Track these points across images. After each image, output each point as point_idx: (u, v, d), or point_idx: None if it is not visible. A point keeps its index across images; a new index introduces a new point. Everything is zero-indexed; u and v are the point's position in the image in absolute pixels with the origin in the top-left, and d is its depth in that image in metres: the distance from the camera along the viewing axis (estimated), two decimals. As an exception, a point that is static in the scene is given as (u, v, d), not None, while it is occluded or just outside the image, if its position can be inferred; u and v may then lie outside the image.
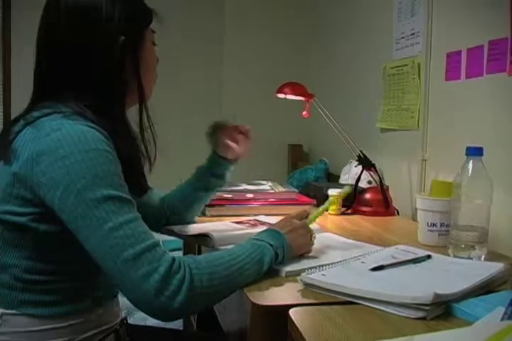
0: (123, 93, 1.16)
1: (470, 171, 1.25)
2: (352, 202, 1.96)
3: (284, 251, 1.16)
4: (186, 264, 0.99)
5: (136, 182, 1.17)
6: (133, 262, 0.96)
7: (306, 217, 1.32)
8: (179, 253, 1.97)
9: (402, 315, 0.90)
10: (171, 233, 1.52)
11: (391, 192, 1.99)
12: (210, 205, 1.75)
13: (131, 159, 1.14)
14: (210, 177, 1.53)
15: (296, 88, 1.95)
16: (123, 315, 1.29)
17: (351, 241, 1.41)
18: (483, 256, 1.26)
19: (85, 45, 1.11)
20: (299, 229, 1.23)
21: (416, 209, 1.51)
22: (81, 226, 0.99)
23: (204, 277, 0.99)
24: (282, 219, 1.28)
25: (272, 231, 1.20)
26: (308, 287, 1.03)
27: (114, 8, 1.12)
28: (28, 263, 1.08)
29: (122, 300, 1.31)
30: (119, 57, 1.13)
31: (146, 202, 1.44)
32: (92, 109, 1.10)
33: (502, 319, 0.80)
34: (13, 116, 1.15)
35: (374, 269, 1.09)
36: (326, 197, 1.76)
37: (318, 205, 1.96)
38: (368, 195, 1.95)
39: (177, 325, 2.71)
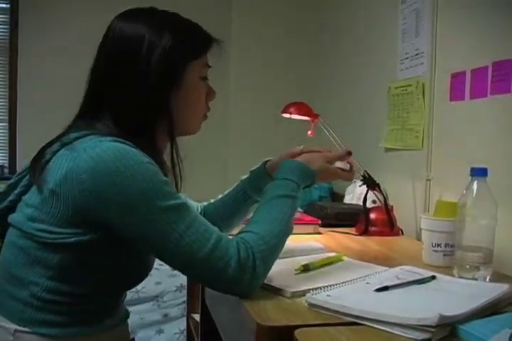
0: (152, 122, 1.15)
1: (475, 192, 1.25)
2: (356, 221, 1.97)
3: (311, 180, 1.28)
4: (248, 243, 1.07)
5: None
6: (207, 262, 1.03)
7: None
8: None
9: (408, 336, 0.90)
10: None
11: (395, 212, 1.99)
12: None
13: None
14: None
15: (301, 108, 1.95)
16: (130, 336, 1.29)
17: (356, 261, 1.41)
18: (488, 277, 1.25)
19: (123, 72, 1.12)
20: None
21: (420, 229, 1.50)
22: (148, 241, 1.03)
23: (266, 245, 1.08)
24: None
25: (301, 168, 1.26)
26: (314, 308, 1.03)
27: (161, 38, 1.12)
28: (49, 283, 1.08)
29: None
30: (152, 88, 1.12)
31: None
32: (128, 133, 1.11)
33: (508, 341, 0.80)
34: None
35: (379, 290, 1.09)
36: (330, 217, 1.75)
37: (322, 225, 1.96)
38: (372, 215, 1.95)
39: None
